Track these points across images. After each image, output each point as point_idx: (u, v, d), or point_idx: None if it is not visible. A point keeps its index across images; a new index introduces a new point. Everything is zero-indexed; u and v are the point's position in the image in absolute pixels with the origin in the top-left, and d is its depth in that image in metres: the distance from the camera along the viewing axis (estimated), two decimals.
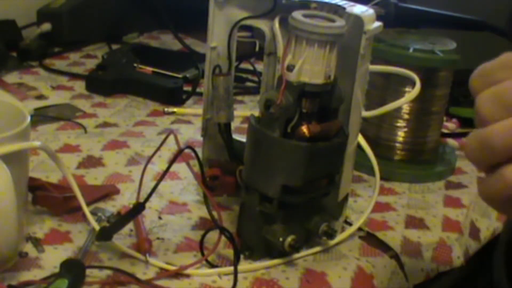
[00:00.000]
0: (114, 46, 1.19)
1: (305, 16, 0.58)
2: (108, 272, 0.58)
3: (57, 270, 0.57)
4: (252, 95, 1.05)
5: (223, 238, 0.60)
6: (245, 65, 1.13)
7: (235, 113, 0.70)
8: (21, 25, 1.15)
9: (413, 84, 0.76)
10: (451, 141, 0.93)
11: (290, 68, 0.58)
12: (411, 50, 0.81)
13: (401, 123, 0.84)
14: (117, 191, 0.72)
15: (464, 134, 0.93)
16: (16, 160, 0.55)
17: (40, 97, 0.96)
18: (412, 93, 0.76)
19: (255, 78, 1.11)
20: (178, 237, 0.65)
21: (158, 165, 0.77)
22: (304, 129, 0.58)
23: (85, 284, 0.56)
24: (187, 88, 1.01)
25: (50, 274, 0.57)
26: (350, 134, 0.63)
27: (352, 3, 0.62)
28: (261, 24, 0.66)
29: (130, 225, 0.63)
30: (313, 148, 0.59)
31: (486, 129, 0.41)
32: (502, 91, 0.41)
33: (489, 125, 0.41)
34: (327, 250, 0.66)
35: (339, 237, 0.67)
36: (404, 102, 0.79)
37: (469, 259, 0.74)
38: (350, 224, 0.70)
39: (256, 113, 0.62)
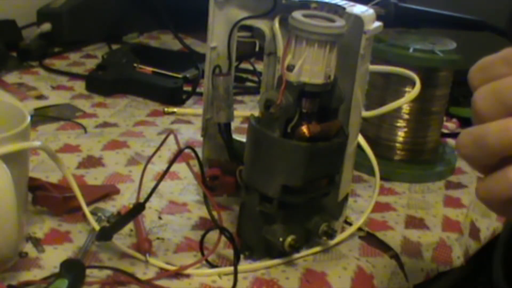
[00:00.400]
0: (114, 46, 1.19)
1: (305, 16, 0.58)
2: (108, 272, 0.58)
3: (57, 270, 0.57)
4: (252, 95, 1.05)
5: (223, 238, 0.60)
6: (245, 65, 1.13)
7: (235, 113, 0.70)
8: (21, 25, 1.15)
9: (413, 84, 0.76)
10: (451, 141, 0.93)
11: (290, 68, 0.58)
12: (411, 50, 0.81)
13: (401, 123, 0.84)
14: (117, 191, 0.72)
15: None
16: (16, 160, 0.55)
17: (40, 97, 0.96)
18: (412, 93, 0.76)
19: (255, 78, 1.11)
20: (178, 237, 0.65)
21: (158, 165, 0.77)
22: (304, 129, 0.58)
23: (85, 284, 0.56)
24: (187, 88, 1.01)
25: (50, 274, 0.57)
26: (350, 134, 0.63)
27: (352, 3, 0.62)
28: (261, 24, 0.66)
29: (130, 225, 0.63)
30: (313, 148, 0.59)
31: (482, 126, 0.41)
32: (502, 87, 0.40)
33: (485, 121, 0.41)
34: (327, 250, 0.66)
35: (339, 237, 0.67)
36: (404, 102, 0.79)
37: (469, 259, 0.74)
38: (350, 224, 0.70)
39: (256, 113, 0.62)
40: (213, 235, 0.61)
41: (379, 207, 0.75)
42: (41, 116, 0.88)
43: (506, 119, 0.40)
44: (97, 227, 0.63)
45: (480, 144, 0.41)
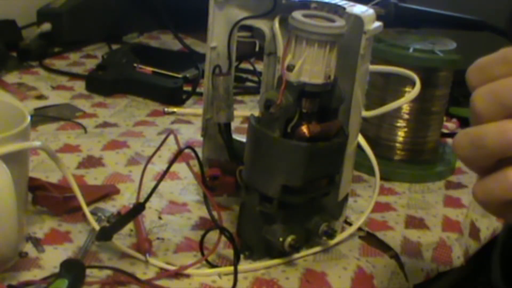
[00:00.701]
0: (114, 46, 1.18)
1: (305, 16, 0.58)
2: (108, 272, 0.58)
3: (57, 270, 0.56)
4: (252, 95, 1.05)
5: (223, 238, 0.60)
6: (245, 65, 1.13)
7: (235, 113, 0.70)
8: (21, 25, 1.15)
9: (413, 84, 0.76)
10: (451, 141, 0.93)
11: (290, 68, 0.58)
12: (411, 50, 0.81)
13: (401, 123, 0.84)
14: (117, 191, 0.72)
15: None
16: (16, 160, 0.55)
17: (40, 97, 0.96)
18: (412, 93, 0.76)
19: (255, 78, 1.11)
20: (178, 237, 0.65)
21: (158, 165, 0.77)
22: (304, 129, 0.58)
23: (85, 284, 0.56)
24: (187, 88, 1.01)
25: (50, 274, 0.57)
26: (350, 134, 0.63)
27: (352, 3, 0.62)
28: (261, 24, 0.66)
29: (130, 225, 0.63)
30: (313, 148, 0.59)
31: (480, 127, 0.40)
32: (501, 88, 0.40)
33: (483, 122, 0.40)
34: (327, 250, 0.66)
35: (339, 237, 0.67)
36: (404, 102, 0.79)
37: (469, 259, 0.74)
38: (350, 224, 0.70)
39: (256, 113, 0.62)
40: (213, 235, 0.61)
41: (379, 207, 0.75)
42: (41, 116, 0.88)
43: (505, 121, 0.40)
44: (97, 227, 0.63)
45: (478, 145, 0.40)
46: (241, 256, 0.62)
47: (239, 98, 1.03)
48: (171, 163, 0.59)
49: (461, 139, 0.42)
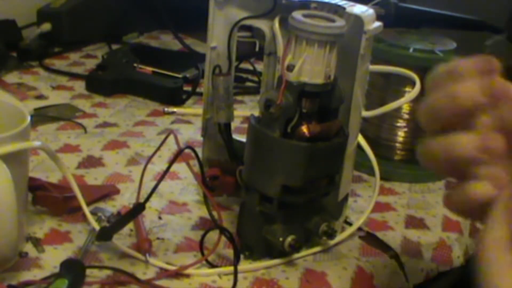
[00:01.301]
0: (114, 46, 1.19)
1: (305, 16, 0.58)
2: (108, 272, 0.59)
3: (57, 270, 0.57)
4: (252, 95, 1.05)
5: (223, 238, 0.60)
6: (245, 65, 1.13)
7: (235, 113, 0.70)
8: (21, 25, 1.16)
9: (413, 84, 0.76)
10: None
11: (290, 68, 0.58)
12: (411, 50, 0.81)
13: (401, 123, 0.84)
14: (117, 191, 0.72)
15: None
16: (16, 160, 0.55)
17: (40, 97, 0.96)
18: (412, 93, 0.76)
19: (255, 78, 1.11)
20: (178, 237, 0.65)
21: (158, 165, 0.77)
22: (304, 129, 0.58)
23: (85, 284, 0.56)
24: (187, 88, 1.01)
25: (50, 274, 0.57)
26: (350, 134, 0.63)
27: (352, 3, 0.62)
28: (261, 24, 0.66)
29: (130, 225, 0.63)
30: (313, 148, 0.59)
31: (429, 142, 0.47)
32: (433, 103, 0.45)
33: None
34: (327, 250, 0.66)
35: (339, 237, 0.67)
36: (404, 102, 0.79)
37: (469, 259, 0.74)
38: (350, 224, 0.70)
39: (256, 113, 0.62)
40: (213, 235, 0.61)
41: (379, 207, 0.75)
42: (41, 116, 0.88)
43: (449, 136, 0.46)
44: (97, 227, 0.63)
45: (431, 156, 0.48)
46: (241, 256, 0.62)
47: (239, 98, 1.03)
48: (171, 163, 0.59)
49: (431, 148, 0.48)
